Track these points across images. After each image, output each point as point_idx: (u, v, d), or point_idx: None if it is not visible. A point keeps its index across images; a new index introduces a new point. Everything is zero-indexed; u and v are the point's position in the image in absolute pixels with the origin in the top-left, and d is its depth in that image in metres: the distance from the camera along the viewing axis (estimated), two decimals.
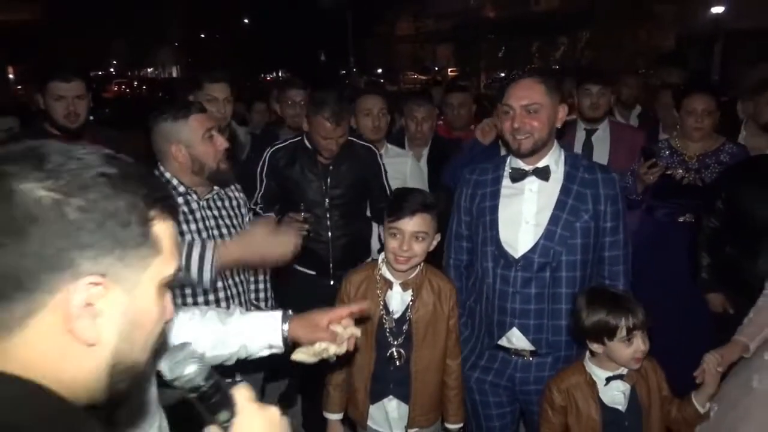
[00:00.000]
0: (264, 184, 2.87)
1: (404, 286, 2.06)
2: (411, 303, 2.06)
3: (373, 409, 2.14)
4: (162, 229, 0.74)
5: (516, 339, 2.09)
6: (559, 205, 2.01)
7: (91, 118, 3.67)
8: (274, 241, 1.93)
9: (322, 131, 2.65)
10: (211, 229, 2.14)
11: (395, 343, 2.06)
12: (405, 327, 2.06)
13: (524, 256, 2.02)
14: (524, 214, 2.04)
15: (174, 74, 39.10)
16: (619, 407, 1.85)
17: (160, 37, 36.59)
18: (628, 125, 4.04)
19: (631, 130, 3.80)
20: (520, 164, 2.06)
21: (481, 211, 2.11)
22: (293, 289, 2.85)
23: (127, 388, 0.73)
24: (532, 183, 2.05)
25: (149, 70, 41.54)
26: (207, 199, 2.16)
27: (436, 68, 27.17)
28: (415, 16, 27.40)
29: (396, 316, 2.07)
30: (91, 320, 0.66)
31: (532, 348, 2.08)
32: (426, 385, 2.09)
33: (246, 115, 5.07)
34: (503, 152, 3.03)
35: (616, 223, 2.05)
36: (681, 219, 3.03)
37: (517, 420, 2.34)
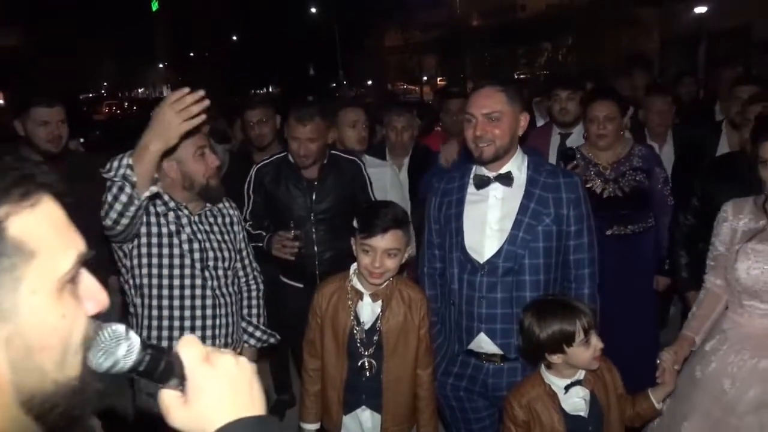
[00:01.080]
0: (251, 200, 2.89)
1: (374, 297, 2.08)
2: (381, 314, 2.07)
3: (347, 420, 2.15)
4: (28, 221, 0.60)
5: (484, 344, 2.10)
6: (522, 209, 2.03)
7: (82, 140, 3.71)
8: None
9: (291, 132, 2.69)
10: (203, 242, 2.17)
11: (366, 353, 2.07)
12: (375, 337, 2.07)
13: (489, 261, 2.04)
14: (489, 220, 2.07)
15: (164, 93, 39.25)
16: (582, 413, 1.84)
17: (149, 58, 36.73)
18: None
19: None
20: (484, 171, 2.09)
21: (447, 219, 2.14)
22: (282, 301, 2.88)
23: (67, 413, 0.64)
24: (495, 189, 2.08)
25: (140, 90, 41.67)
26: (199, 215, 2.20)
27: (425, 78, 27.34)
28: (403, 27, 27.60)
29: (366, 326, 2.08)
30: None
31: (500, 353, 2.09)
32: (398, 395, 2.09)
33: (228, 132, 5.08)
34: None
35: (579, 227, 2.07)
36: (609, 232, 2.94)
37: (497, 423, 2.33)
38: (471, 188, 2.13)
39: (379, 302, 2.07)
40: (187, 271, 2.13)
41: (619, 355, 2.04)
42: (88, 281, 0.68)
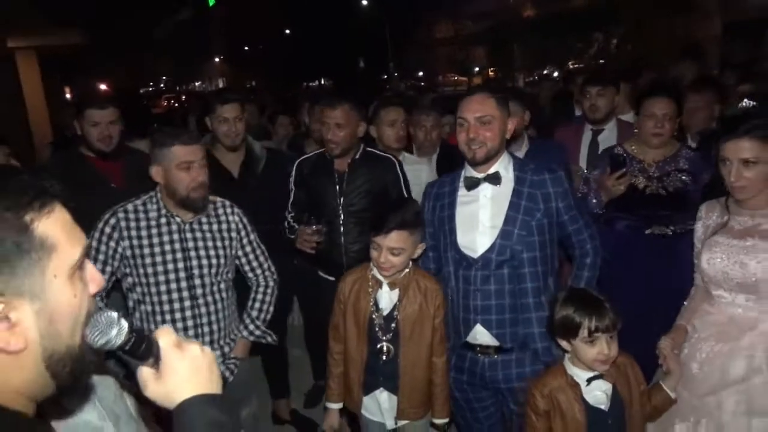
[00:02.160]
0: (294, 192, 3.06)
1: (392, 286, 2.22)
2: (398, 302, 2.21)
3: (367, 400, 2.31)
4: (47, 224, 0.77)
5: (480, 335, 2.21)
6: (513, 206, 2.15)
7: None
8: None
9: (322, 117, 2.82)
10: (189, 250, 2.28)
11: (384, 338, 2.22)
12: (393, 324, 2.21)
13: (482, 256, 2.16)
14: (480, 218, 2.19)
15: (221, 86, 40.31)
16: (602, 407, 1.89)
17: (205, 52, 37.78)
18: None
19: None
20: (473, 173, 2.22)
21: (441, 221, 2.28)
22: (316, 292, 3.04)
23: (72, 372, 0.81)
24: (485, 189, 2.20)
25: (197, 84, 42.96)
26: (190, 223, 2.31)
27: (477, 69, 27.04)
28: (454, 18, 27.36)
29: (385, 313, 2.23)
30: (10, 332, 0.74)
31: (496, 344, 2.20)
32: (414, 380, 2.23)
33: (269, 128, 5.23)
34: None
35: (572, 213, 2.19)
36: (648, 231, 2.85)
37: (507, 413, 2.39)
38: (462, 190, 2.26)
39: (396, 291, 2.21)
40: (172, 277, 2.24)
41: (653, 354, 2.10)
42: (90, 268, 0.86)
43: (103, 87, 19.24)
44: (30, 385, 0.79)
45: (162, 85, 40.54)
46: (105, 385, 1.14)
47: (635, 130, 2.97)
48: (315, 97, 3.82)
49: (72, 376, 0.82)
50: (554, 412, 1.90)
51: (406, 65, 29.15)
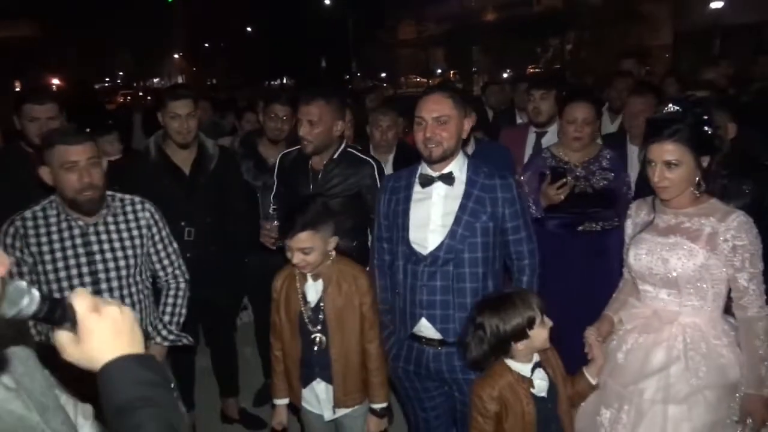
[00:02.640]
0: (275, 185, 3.05)
1: (315, 278, 2.28)
2: (323, 293, 2.27)
3: (306, 392, 2.36)
4: None
5: (425, 328, 2.27)
6: (462, 207, 2.21)
7: (87, 130, 3.87)
8: None
9: (298, 114, 2.79)
10: (93, 254, 2.22)
11: (314, 329, 2.27)
12: (320, 315, 2.27)
13: (431, 254, 2.21)
14: (432, 216, 2.24)
15: (180, 82, 39.54)
16: (543, 394, 1.97)
17: (164, 48, 37.02)
18: None
19: None
20: (429, 171, 2.26)
21: (395, 214, 2.33)
22: (267, 290, 2.97)
23: None
24: (439, 188, 2.25)
25: (155, 80, 42.04)
26: (95, 225, 2.25)
27: (438, 71, 27.28)
28: (417, 20, 27.56)
29: (312, 305, 2.29)
30: None
31: (440, 337, 2.25)
32: (346, 367, 2.28)
33: (236, 125, 5.20)
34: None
35: (516, 223, 2.24)
36: (580, 228, 3.03)
37: (452, 399, 2.43)
38: (417, 187, 2.30)
39: (320, 282, 2.27)
40: (76, 282, 2.17)
41: (581, 346, 2.18)
42: None
43: (55, 81, 18.67)
44: None
45: (119, 81, 39.53)
46: (29, 374, 1.13)
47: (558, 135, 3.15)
48: (270, 96, 3.81)
49: None
50: (505, 411, 1.93)
51: (369, 65, 29.19)
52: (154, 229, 2.42)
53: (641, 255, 2.14)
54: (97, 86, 28.77)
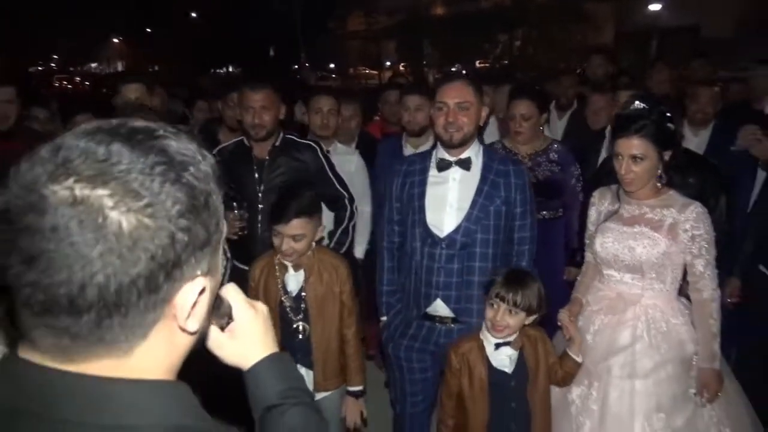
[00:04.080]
0: None
1: (296, 268, 2.33)
2: (305, 282, 2.32)
3: None
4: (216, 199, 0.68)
5: (440, 308, 2.37)
6: (478, 191, 2.31)
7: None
8: None
9: (245, 102, 2.79)
10: None
11: (297, 318, 2.33)
12: (302, 304, 2.33)
13: (448, 236, 2.31)
14: (448, 199, 2.34)
15: (120, 69, 38.03)
16: (506, 369, 2.13)
17: (104, 32, 35.51)
18: None
19: None
20: (446, 156, 2.35)
21: (410, 197, 2.39)
22: (227, 281, 2.99)
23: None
24: (455, 172, 2.34)
25: (93, 65, 40.31)
26: None
27: (387, 63, 27.33)
28: (366, 11, 27.46)
29: (293, 294, 2.34)
30: (196, 314, 0.67)
31: (453, 316, 2.37)
32: (327, 354, 2.36)
33: (187, 113, 5.12)
34: (406, 146, 3.35)
35: (524, 209, 2.37)
36: None
37: (436, 387, 2.56)
38: (433, 171, 2.38)
39: (302, 272, 2.32)
40: None
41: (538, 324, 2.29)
42: None
43: None
44: (179, 363, 0.71)
45: (53, 65, 37.69)
46: None
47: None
48: (230, 85, 3.80)
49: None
50: (464, 369, 2.13)
51: (318, 56, 28.93)
52: None
53: (608, 243, 2.29)
54: (30, 70, 27.40)
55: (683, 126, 3.45)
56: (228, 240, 2.83)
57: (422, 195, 2.36)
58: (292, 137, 2.97)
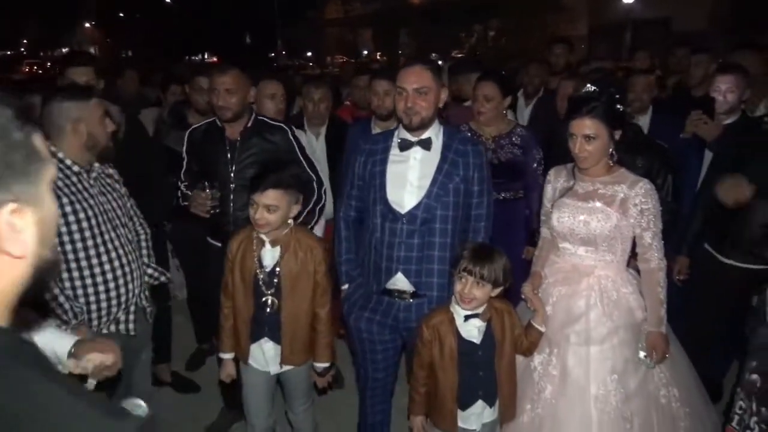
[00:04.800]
0: (186, 161, 3.06)
1: (273, 244, 2.41)
2: (280, 258, 2.40)
3: (253, 348, 2.49)
4: (37, 139, 0.81)
5: (400, 282, 2.46)
6: (438, 169, 2.41)
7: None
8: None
9: (212, 84, 2.85)
10: (105, 203, 2.34)
11: (268, 292, 2.41)
12: (275, 279, 2.40)
13: (409, 212, 2.40)
14: (409, 177, 2.43)
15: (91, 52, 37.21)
16: (474, 340, 2.25)
17: (75, 15, 34.72)
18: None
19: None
20: (408, 136, 2.44)
21: (372, 175, 2.48)
22: (206, 260, 3.08)
23: (43, 281, 0.88)
24: (416, 152, 2.43)
25: (64, 50, 39.39)
26: (94, 178, 2.36)
27: (365, 52, 27.29)
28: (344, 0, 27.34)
29: (268, 269, 2.41)
30: (16, 237, 0.77)
31: (413, 290, 2.46)
32: (295, 329, 2.44)
33: (161, 97, 5.14)
34: (375, 130, 3.42)
35: (481, 187, 2.48)
36: None
37: (400, 353, 2.72)
38: (395, 150, 2.47)
39: (278, 248, 2.39)
40: (103, 228, 2.29)
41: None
42: None
43: None
44: (12, 290, 0.82)
45: (23, 50, 36.77)
46: None
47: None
48: (196, 69, 3.87)
49: (45, 277, 0.88)
50: (435, 341, 2.24)
51: (295, 44, 28.76)
52: (121, 182, 2.53)
53: (564, 217, 2.42)
54: None
55: None
56: (201, 218, 2.92)
57: (383, 173, 2.45)
58: (264, 119, 3.03)
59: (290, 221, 2.41)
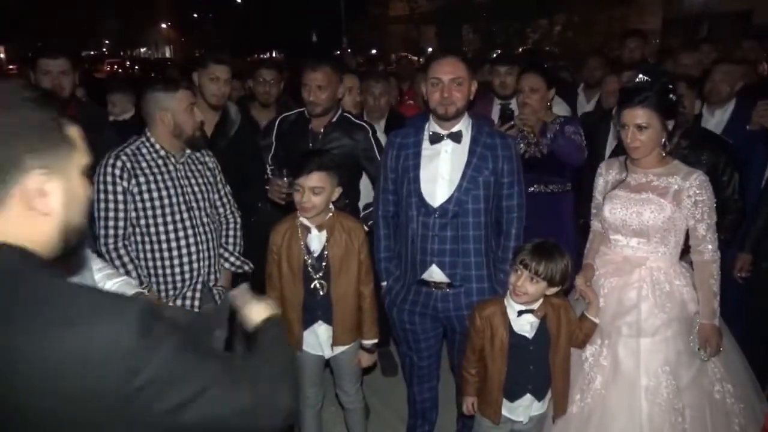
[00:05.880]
0: (273, 146, 3.20)
1: (320, 228, 2.50)
2: (326, 242, 2.50)
3: (306, 334, 2.59)
4: (72, 130, 1.02)
5: (435, 274, 2.53)
6: (468, 163, 2.46)
7: (83, 98, 4.09)
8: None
9: (304, 80, 2.98)
10: (185, 187, 2.55)
11: (316, 276, 2.51)
12: (324, 263, 2.51)
13: (441, 206, 2.46)
14: (440, 171, 2.48)
15: (167, 54, 38.98)
16: (526, 335, 2.28)
17: (151, 17, 36.43)
18: None
19: None
20: (438, 129, 2.50)
21: (405, 169, 2.53)
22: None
23: (75, 243, 1.06)
24: (447, 145, 2.49)
25: (142, 50, 41.44)
26: (182, 163, 2.56)
27: (429, 49, 27.23)
28: None
29: (316, 254, 2.51)
30: (43, 199, 0.97)
31: (447, 281, 2.53)
32: (345, 309, 2.54)
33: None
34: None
35: (511, 179, 2.51)
36: (530, 189, 3.18)
37: (441, 340, 2.79)
38: (426, 143, 2.53)
39: (324, 232, 2.50)
40: (176, 209, 2.48)
41: None
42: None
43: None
44: (47, 241, 1.02)
45: (104, 50, 38.93)
46: None
47: None
48: (260, 63, 4.08)
49: (73, 248, 1.08)
50: (487, 331, 2.28)
51: (360, 41, 29.04)
52: (216, 171, 2.71)
53: (616, 209, 2.42)
54: (83, 54, 28.43)
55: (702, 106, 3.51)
56: (274, 203, 3.03)
57: (417, 166, 2.49)
58: (348, 116, 3.16)
59: (331, 206, 2.51)
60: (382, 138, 3.60)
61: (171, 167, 2.51)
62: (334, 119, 3.06)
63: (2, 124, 0.93)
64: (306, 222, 2.50)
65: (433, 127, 2.51)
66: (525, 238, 3.10)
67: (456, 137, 2.47)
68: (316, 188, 2.40)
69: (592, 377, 2.38)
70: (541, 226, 3.04)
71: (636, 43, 5.20)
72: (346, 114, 3.13)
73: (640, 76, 2.29)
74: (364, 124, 3.15)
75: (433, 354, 2.75)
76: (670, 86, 2.27)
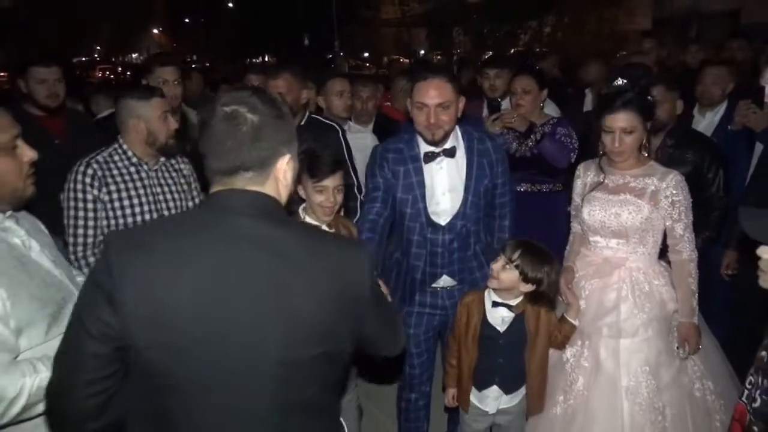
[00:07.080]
0: None
1: (329, 227, 2.46)
2: None
3: None
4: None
5: (443, 282, 2.57)
6: (468, 176, 2.45)
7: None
8: None
9: (267, 88, 2.98)
10: (157, 194, 2.54)
11: None
12: None
13: (449, 223, 2.47)
14: (441, 188, 2.46)
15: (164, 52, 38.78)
16: (498, 328, 2.30)
17: (143, 23, 36.38)
18: None
19: None
20: (431, 148, 2.43)
21: (408, 187, 2.46)
22: None
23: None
24: (441, 161, 2.45)
25: (134, 55, 41.37)
26: (155, 170, 2.55)
27: (421, 52, 27.27)
28: None
29: None
30: (285, 174, 1.31)
31: (456, 284, 2.57)
32: None
33: (213, 98, 5.42)
34: None
35: (504, 179, 2.54)
36: (519, 188, 3.27)
37: (436, 341, 2.77)
38: (420, 162, 2.46)
39: (332, 231, 2.47)
40: (147, 217, 2.47)
41: None
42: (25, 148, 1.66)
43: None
44: (284, 198, 1.36)
45: (96, 56, 38.83)
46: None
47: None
48: (248, 69, 4.09)
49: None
50: (464, 317, 2.33)
51: (352, 45, 29.07)
52: (191, 178, 2.71)
53: (595, 211, 2.45)
54: (74, 60, 28.32)
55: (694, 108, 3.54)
56: None
57: (421, 184, 2.44)
58: (318, 118, 3.16)
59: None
60: (371, 140, 3.64)
61: (143, 174, 2.51)
62: (302, 122, 3.07)
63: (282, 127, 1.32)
64: (314, 221, 2.42)
65: (424, 147, 2.45)
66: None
67: (450, 153, 2.44)
68: (339, 186, 2.39)
69: (574, 378, 2.40)
70: (532, 226, 3.04)
71: (651, 44, 5.21)
72: (314, 116, 3.14)
73: (619, 79, 2.32)
74: (333, 124, 3.16)
75: (431, 356, 2.73)
76: (648, 87, 2.30)
